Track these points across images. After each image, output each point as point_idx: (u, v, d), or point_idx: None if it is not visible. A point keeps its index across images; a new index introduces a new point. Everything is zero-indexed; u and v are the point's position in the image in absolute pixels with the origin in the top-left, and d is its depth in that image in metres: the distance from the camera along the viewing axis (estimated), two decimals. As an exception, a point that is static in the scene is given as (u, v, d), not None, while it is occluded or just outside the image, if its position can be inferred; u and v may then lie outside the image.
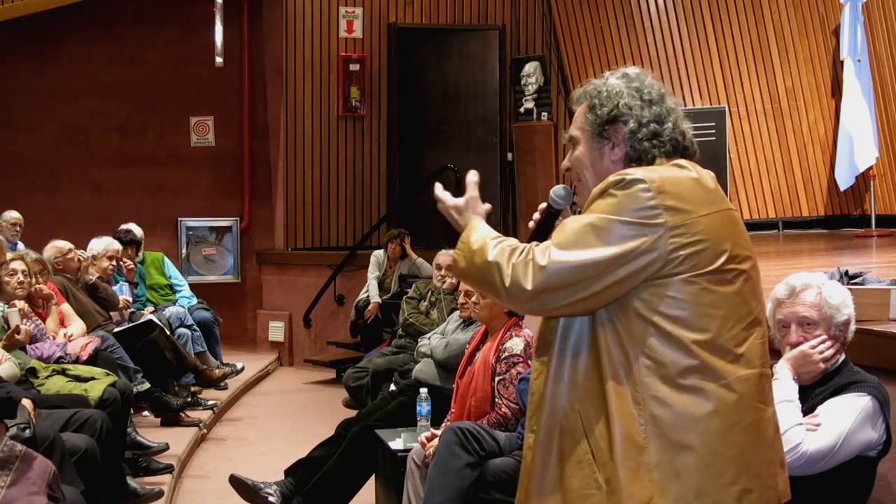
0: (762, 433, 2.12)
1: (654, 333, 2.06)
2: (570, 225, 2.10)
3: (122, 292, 7.28)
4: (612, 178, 2.11)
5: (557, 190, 2.30)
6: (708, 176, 2.18)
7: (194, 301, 8.31)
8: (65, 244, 6.63)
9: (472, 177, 2.31)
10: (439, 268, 6.94)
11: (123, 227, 8.05)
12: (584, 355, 2.12)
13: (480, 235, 2.17)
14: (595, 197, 2.12)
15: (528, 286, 2.04)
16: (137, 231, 8.05)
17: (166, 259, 8.49)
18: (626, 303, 2.07)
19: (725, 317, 2.09)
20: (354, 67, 10.42)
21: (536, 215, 2.33)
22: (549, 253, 2.05)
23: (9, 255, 5.50)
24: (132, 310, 7.28)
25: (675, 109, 2.24)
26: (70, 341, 5.53)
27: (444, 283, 6.90)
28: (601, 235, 2.05)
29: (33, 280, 5.51)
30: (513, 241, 2.13)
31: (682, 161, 2.19)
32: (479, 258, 2.12)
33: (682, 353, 2.05)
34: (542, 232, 2.29)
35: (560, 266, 2.04)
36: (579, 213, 2.27)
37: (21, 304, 5.13)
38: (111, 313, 6.80)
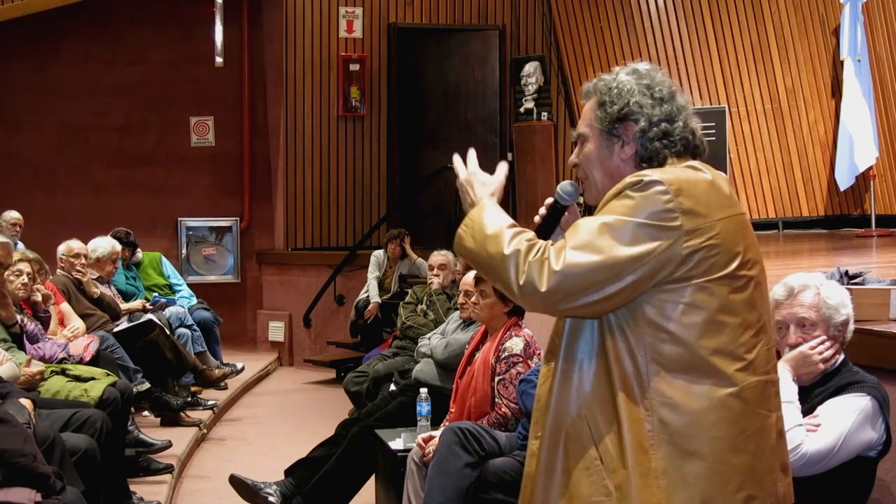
0: (766, 440, 2.11)
1: (665, 340, 2.04)
2: (584, 225, 2.06)
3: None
4: (629, 178, 2.07)
5: (565, 186, 2.27)
6: (722, 179, 2.16)
7: (194, 301, 8.31)
8: (76, 247, 6.63)
9: (504, 166, 2.27)
10: (431, 268, 6.98)
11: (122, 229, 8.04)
12: (591, 361, 2.10)
13: (496, 221, 2.11)
14: (611, 197, 2.09)
15: (542, 288, 2.00)
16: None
17: (164, 259, 8.49)
18: (635, 308, 2.05)
19: (737, 323, 2.07)
20: (354, 67, 10.42)
21: (542, 210, 2.29)
22: (564, 255, 2.01)
23: (14, 256, 5.50)
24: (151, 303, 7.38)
25: (686, 107, 2.22)
26: (71, 341, 5.54)
27: (435, 282, 6.93)
28: (617, 237, 2.01)
29: (35, 282, 5.51)
30: (529, 233, 2.09)
31: (695, 162, 2.17)
32: (494, 247, 2.07)
33: (693, 360, 2.03)
34: (547, 227, 2.27)
35: (575, 268, 2.00)
36: (587, 210, 2.24)
37: (9, 361, 4.70)
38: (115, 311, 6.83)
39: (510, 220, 2.11)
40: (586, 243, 2.02)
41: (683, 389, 2.03)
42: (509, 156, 10.35)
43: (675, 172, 2.09)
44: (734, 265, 2.07)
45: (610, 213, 2.05)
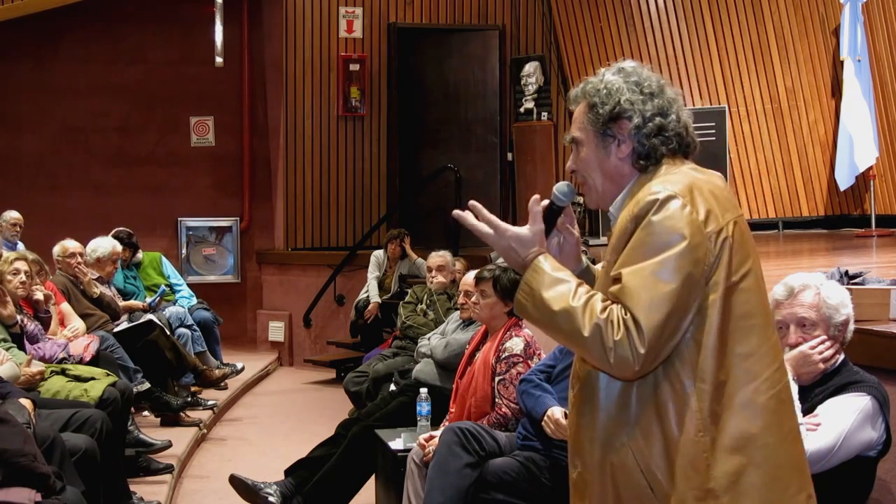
0: (799, 436, 2.13)
1: (703, 354, 2.02)
2: (636, 283, 1.99)
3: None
4: (643, 201, 2.04)
5: (561, 187, 2.25)
6: (721, 180, 2.16)
7: (194, 301, 8.30)
8: (71, 246, 6.64)
9: (537, 206, 2.16)
10: (430, 269, 6.99)
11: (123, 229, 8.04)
12: (630, 388, 2.06)
13: (557, 293, 2.03)
14: (631, 226, 2.05)
15: (637, 367, 1.97)
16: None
17: (164, 259, 8.49)
18: None
19: (761, 325, 2.07)
20: (354, 67, 10.42)
21: (541, 213, 2.23)
22: (640, 329, 1.96)
23: (11, 256, 5.50)
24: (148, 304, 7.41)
25: (676, 100, 2.20)
26: (71, 341, 5.54)
27: (433, 283, 6.93)
28: (670, 278, 1.98)
29: (34, 281, 5.51)
30: (596, 302, 2.01)
31: (690, 164, 2.17)
32: (568, 325, 2.01)
33: (732, 370, 2.02)
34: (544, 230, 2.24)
35: (655, 334, 1.96)
36: (585, 212, 2.21)
37: (9, 361, 4.72)
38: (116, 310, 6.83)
39: (570, 286, 2.04)
40: (651, 302, 1.98)
41: (729, 403, 2.02)
42: (509, 156, 10.35)
43: (680, 179, 2.07)
44: (747, 266, 2.07)
45: (643, 249, 2.01)
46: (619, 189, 2.19)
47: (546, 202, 2.26)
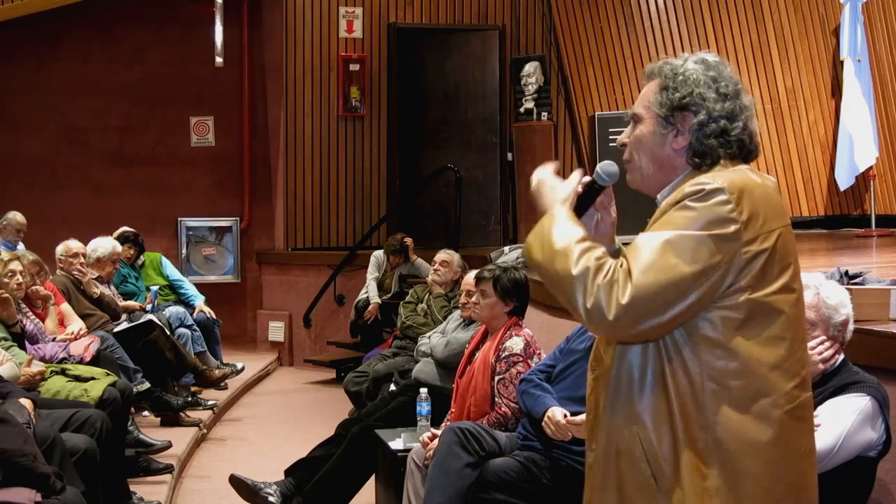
0: (812, 456, 2.10)
1: (721, 356, 1.99)
2: (646, 244, 1.98)
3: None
4: (689, 188, 2.01)
5: (606, 167, 2.18)
6: (774, 185, 2.11)
7: (201, 298, 8.29)
8: (74, 246, 6.64)
9: (585, 178, 2.18)
10: (434, 263, 6.99)
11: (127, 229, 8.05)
12: (643, 377, 2.04)
13: (565, 234, 2.02)
14: (669, 207, 2.02)
15: (610, 315, 1.93)
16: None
17: (164, 259, 8.49)
18: (692, 325, 2.00)
19: (793, 338, 2.03)
20: (354, 67, 10.42)
21: (578, 189, 2.18)
22: (630, 281, 1.93)
23: (6, 256, 5.50)
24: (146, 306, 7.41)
25: (749, 107, 2.13)
26: (71, 342, 5.53)
27: (430, 278, 6.93)
28: (680, 254, 1.94)
29: (29, 279, 5.50)
30: (599, 250, 2.00)
31: (747, 167, 2.11)
32: (561, 264, 1.98)
33: (751, 378, 1.99)
34: (581, 207, 2.17)
35: (642, 292, 1.92)
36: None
37: (9, 361, 4.74)
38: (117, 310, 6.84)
39: (580, 234, 2.03)
40: (651, 264, 1.94)
41: (741, 408, 1.99)
42: (509, 156, 10.35)
43: (732, 178, 2.02)
44: (787, 277, 2.03)
45: (670, 225, 1.99)
46: (667, 179, 2.15)
47: (587, 179, 2.20)
